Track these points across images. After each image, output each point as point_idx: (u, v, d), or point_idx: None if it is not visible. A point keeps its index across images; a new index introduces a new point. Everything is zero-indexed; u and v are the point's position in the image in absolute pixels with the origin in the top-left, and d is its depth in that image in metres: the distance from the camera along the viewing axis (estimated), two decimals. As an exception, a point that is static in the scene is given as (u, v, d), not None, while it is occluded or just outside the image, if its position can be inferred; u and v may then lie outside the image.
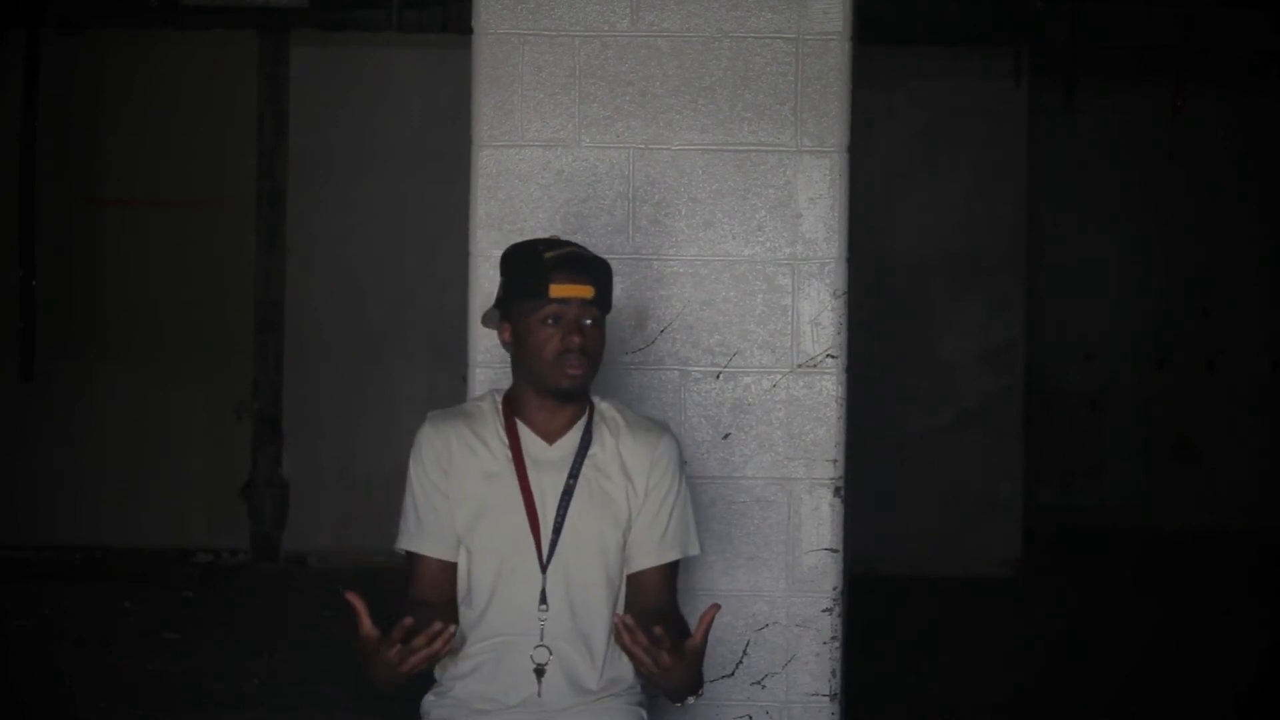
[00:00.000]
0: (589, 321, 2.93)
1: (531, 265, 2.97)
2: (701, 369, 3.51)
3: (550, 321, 2.93)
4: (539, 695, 2.93)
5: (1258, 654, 6.35)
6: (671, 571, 3.02)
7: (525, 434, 2.99)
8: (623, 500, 2.98)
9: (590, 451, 2.98)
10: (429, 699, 3.05)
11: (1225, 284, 8.80)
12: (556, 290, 2.92)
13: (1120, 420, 8.83)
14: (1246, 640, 6.57)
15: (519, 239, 3.38)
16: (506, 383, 3.07)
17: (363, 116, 7.90)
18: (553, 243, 3.02)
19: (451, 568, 2.98)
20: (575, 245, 3.02)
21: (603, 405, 3.05)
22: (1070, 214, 8.71)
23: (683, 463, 3.07)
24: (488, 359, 3.46)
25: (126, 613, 6.87)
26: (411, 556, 3.00)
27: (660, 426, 3.07)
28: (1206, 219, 8.75)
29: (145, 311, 7.94)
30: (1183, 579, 7.70)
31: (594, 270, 2.96)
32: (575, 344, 2.91)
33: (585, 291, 2.93)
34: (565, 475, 2.97)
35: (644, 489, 2.99)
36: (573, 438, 2.99)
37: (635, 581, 2.99)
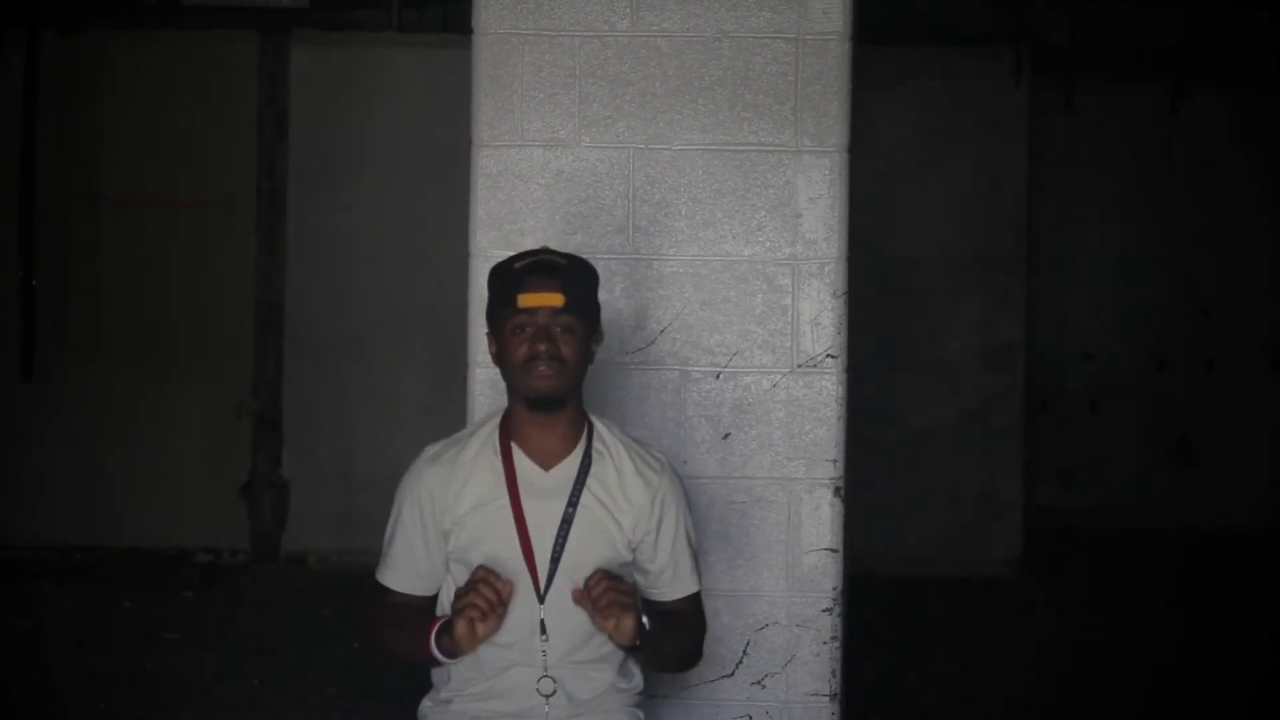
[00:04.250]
0: (560, 329, 2.92)
1: (504, 277, 2.98)
2: (701, 369, 3.51)
3: (520, 330, 2.93)
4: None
5: (1258, 654, 6.35)
6: (691, 598, 3.07)
7: (521, 461, 2.97)
8: (624, 526, 2.97)
9: (589, 480, 2.97)
10: (425, 705, 3.05)
11: (1225, 284, 8.79)
12: (523, 300, 2.92)
13: (1120, 420, 8.83)
14: (1247, 640, 6.56)
15: (519, 239, 3.39)
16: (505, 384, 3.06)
17: (363, 116, 7.89)
18: (531, 252, 3.01)
19: (419, 601, 3.03)
20: (553, 254, 3.00)
21: (602, 429, 3.03)
22: (1070, 214, 8.70)
23: (686, 497, 3.07)
24: (488, 359, 3.42)
25: (126, 613, 6.87)
26: (380, 584, 3.06)
27: (659, 470, 3.04)
28: (1206, 219, 8.75)
29: (145, 311, 7.93)
30: (1183, 579, 7.70)
31: (566, 278, 2.94)
32: (541, 350, 2.90)
33: (553, 300, 2.92)
34: (564, 504, 2.95)
35: (647, 530, 2.99)
36: (571, 464, 2.98)
37: (657, 610, 3.01)
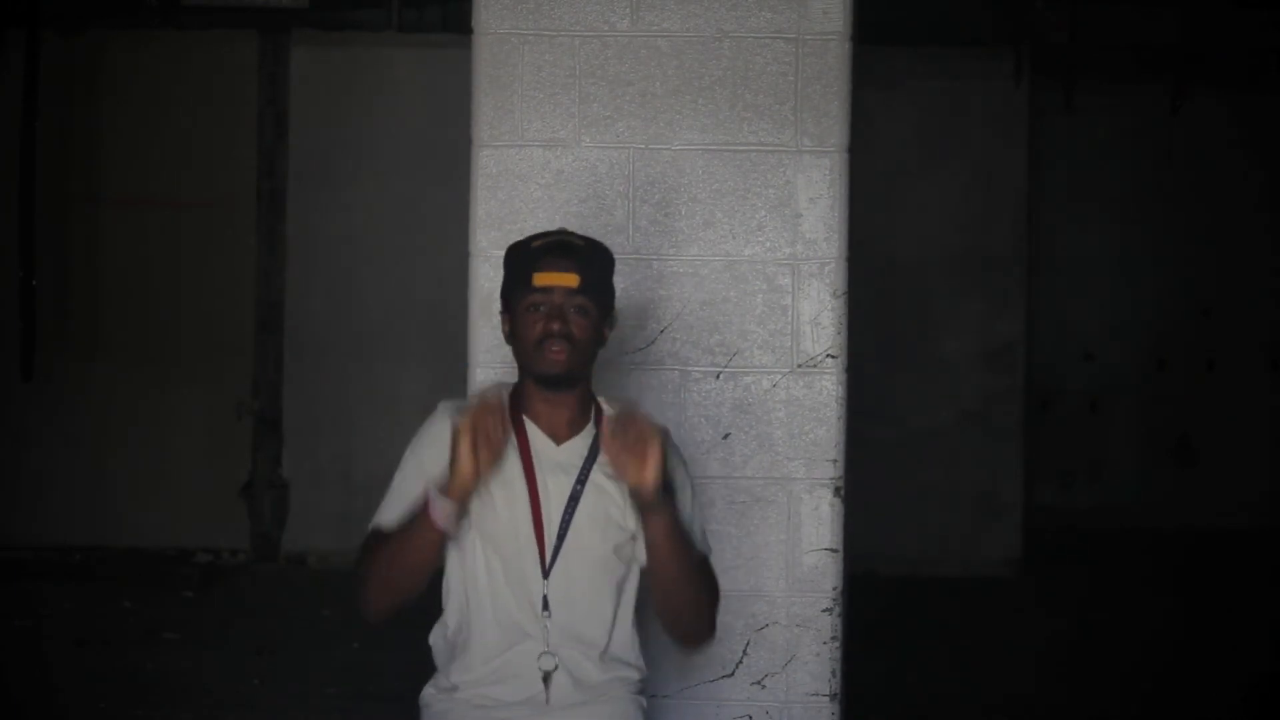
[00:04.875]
0: (574, 310, 2.92)
1: (521, 255, 2.98)
2: (701, 369, 3.51)
3: (534, 309, 2.93)
4: (546, 702, 2.94)
5: (1258, 654, 6.35)
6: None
7: (534, 432, 2.97)
8: (628, 506, 2.97)
9: (599, 458, 2.96)
10: (429, 691, 3.04)
11: (1225, 284, 8.80)
12: (539, 279, 2.92)
13: (1120, 420, 8.83)
14: (1247, 640, 6.57)
15: (519, 239, 3.38)
16: (509, 381, 3.06)
17: (363, 116, 7.89)
18: (549, 232, 3.02)
19: None
20: (570, 235, 3.00)
21: (610, 410, 3.03)
22: (1070, 214, 8.71)
23: (689, 474, 3.06)
24: (488, 359, 3.46)
25: (126, 613, 6.87)
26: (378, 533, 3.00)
27: (663, 435, 3.01)
28: (1206, 219, 8.75)
29: (145, 311, 7.94)
30: (1183, 579, 7.71)
31: (582, 258, 2.94)
32: (554, 329, 2.90)
33: (569, 280, 2.91)
34: (572, 480, 2.95)
35: None
36: (581, 441, 2.98)
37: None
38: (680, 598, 2.96)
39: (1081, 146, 8.67)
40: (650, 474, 2.81)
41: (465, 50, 3.56)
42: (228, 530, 7.90)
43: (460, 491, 2.85)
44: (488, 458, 2.84)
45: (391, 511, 2.99)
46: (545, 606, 2.93)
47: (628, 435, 2.82)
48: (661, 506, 2.85)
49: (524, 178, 3.50)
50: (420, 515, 2.88)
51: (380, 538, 2.98)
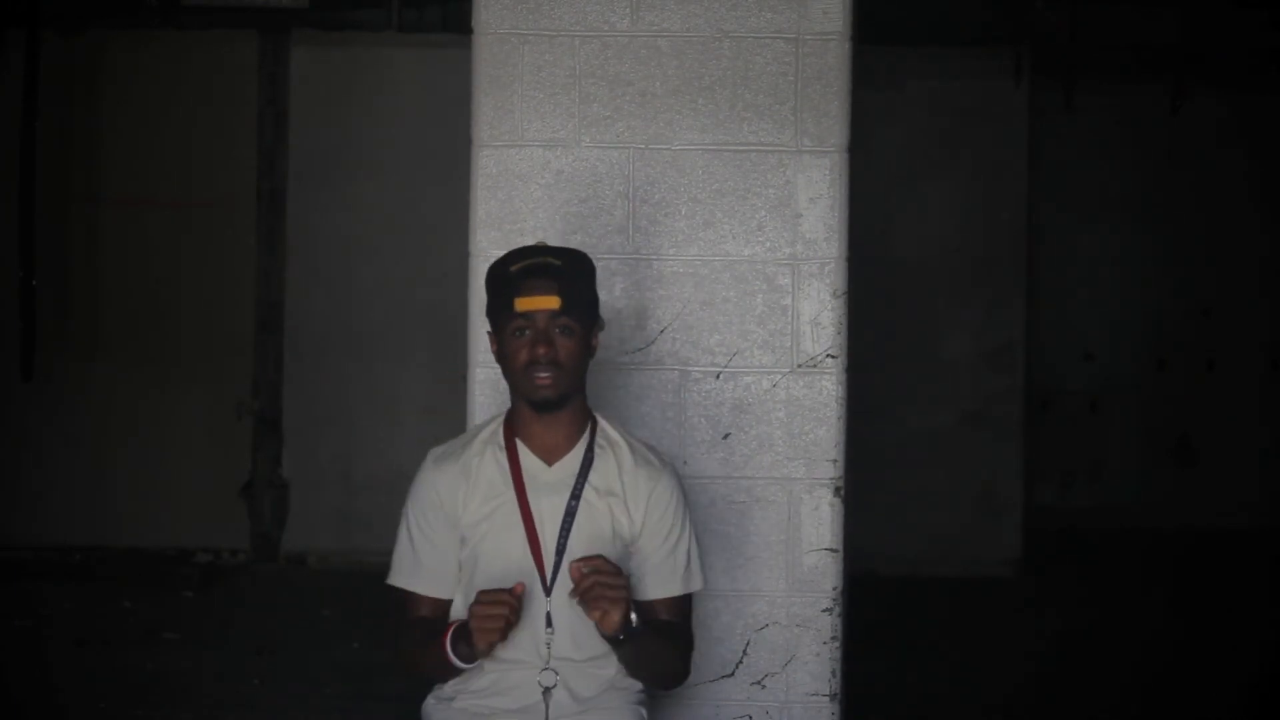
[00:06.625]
0: (558, 331, 2.93)
1: (501, 279, 2.99)
2: (701, 369, 3.52)
3: (519, 334, 2.94)
4: (546, 717, 2.95)
5: (1258, 654, 6.35)
6: (673, 603, 3.04)
7: (525, 455, 3.00)
8: (624, 520, 2.99)
9: (591, 475, 2.98)
10: (429, 703, 3.06)
11: (1225, 284, 8.79)
12: (521, 304, 2.94)
13: (1120, 420, 8.83)
14: (1248, 640, 6.56)
15: (519, 239, 3.39)
16: (505, 384, 3.07)
17: (363, 116, 7.89)
18: (525, 252, 3.01)
19: (445, 604, 3.02)
20: (548, 253, 3.00)
21: (606, 426, 3.05)
22: (1070, 214, 8.70)
23: (685, 500, 3.07)
24: (488, 359, 3.44)
25: (126, 613, 6.87)
26: (404, 592, 3.04)
27: (660, 466, 3.04)
28: (1207, 219, 8.75)
29: (145, 311, 7.94)
30: (1183, 579, 7.70)
31: (562, 279, 2.95)
32: (540, 355, 2.92)
33: (550, 303, 2.93)
34: (566, 497, 2.97)
35: (640, 524, 3.00)
36: (573, 459, 3.00)
37: (638, 609, 3.00)
38: (650, 680, 3.04)
39: (1081, 146, 8.66)
40: (612, 620, 2.82)
41: (465, 50, 3.57)
42: (228, 530, 7.90)
43: (477, 658, 2.90)
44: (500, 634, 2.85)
45: (403, 570, 3.03)
46: (549, 624, 2.94)
47: (587, 590, 2.81)
48: (623, 642, 2.87)
49: (524, 178, 3.50)
50: (437, 654, 2.93)
51: (409, 644, 3.04)
